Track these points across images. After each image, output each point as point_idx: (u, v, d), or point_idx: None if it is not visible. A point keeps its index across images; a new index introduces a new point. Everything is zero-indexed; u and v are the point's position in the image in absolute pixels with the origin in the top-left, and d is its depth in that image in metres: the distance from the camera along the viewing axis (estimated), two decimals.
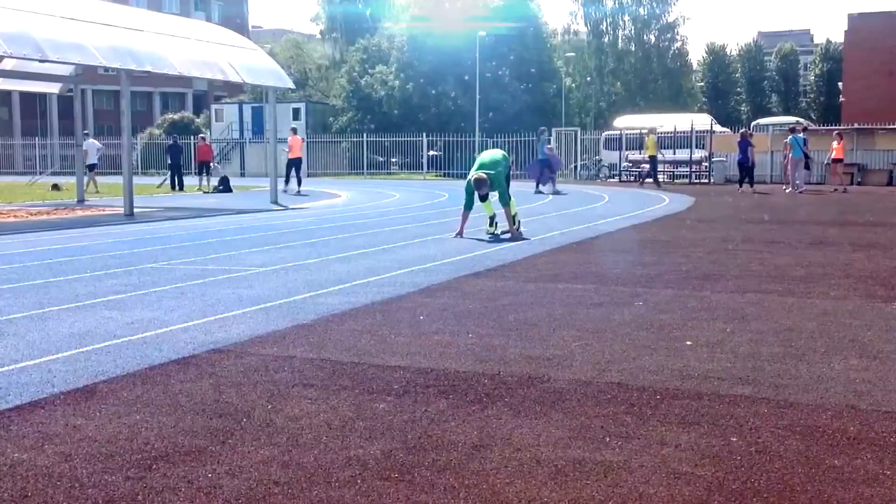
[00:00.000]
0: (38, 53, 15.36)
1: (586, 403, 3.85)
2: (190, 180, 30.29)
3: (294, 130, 27.63)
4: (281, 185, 27.13)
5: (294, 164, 26.12)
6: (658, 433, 3.44)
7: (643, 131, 30.11)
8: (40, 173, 33.08)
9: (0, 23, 14.89)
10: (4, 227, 13.97)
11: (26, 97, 63.80)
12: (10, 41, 14.77)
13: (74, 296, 6.81)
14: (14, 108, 70.14)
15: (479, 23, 45.57)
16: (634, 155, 32.92)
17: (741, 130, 28.32)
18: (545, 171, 24.95)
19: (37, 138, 53.92)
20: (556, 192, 23.88)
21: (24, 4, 16.16)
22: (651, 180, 27.60)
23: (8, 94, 60.48)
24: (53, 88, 24.71)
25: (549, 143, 27.42)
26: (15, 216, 16.51)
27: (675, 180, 31.96)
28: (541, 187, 24.57)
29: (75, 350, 4.91)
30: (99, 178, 27.27)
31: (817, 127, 34.96)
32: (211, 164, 29.49)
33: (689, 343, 5.03)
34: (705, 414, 3.69)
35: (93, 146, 27.22)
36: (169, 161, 29.95)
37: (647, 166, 28.41)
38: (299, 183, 26.21)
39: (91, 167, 26.64)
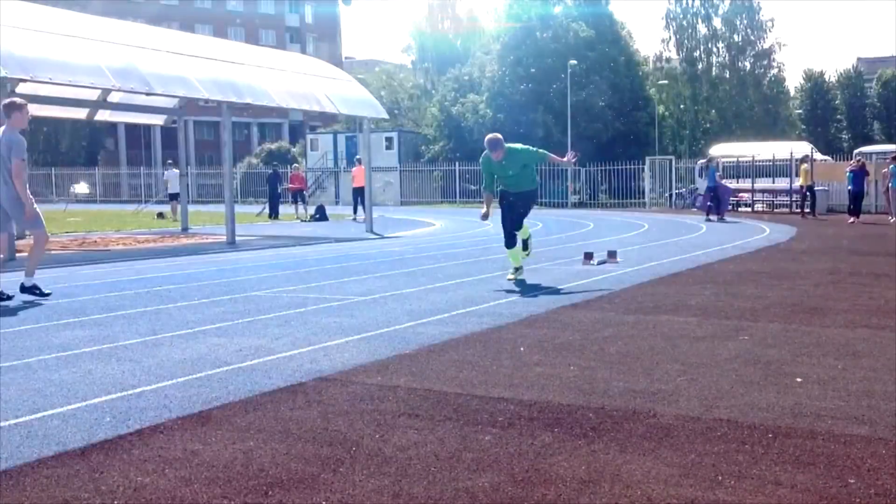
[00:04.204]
0: (145, 87, 16.00)
1: (695, 440, 3.79)
2: (287, 209, 31.04)
3: (359, 161, 28.03)
4: (351, 213, 27.87)
5: (359, 192, 26.67)
6: (772, 473, 3.37)
7: (795, 160, 29.86)
8: (146, 202, 34.33)
9: (109, 57, 15.57)
10: (115, 255, 14.54)
11: (131, 128, 66.53)
12: (117, 75, 15.43)
13: (184, 322, 7.05)
14: (120, 139, 73.23)
15: (570, 50, 45.58)
16: (732, 183, 32.30)
17: (858, 160, 27.66)
18: (713, 200, 24.98)
19: (142, 168, 56.02)
20: (723, 221, 23.98)
21: (131, 39, 16.88)
22: (808, 210, 27.13)
23: (114, 125, 63.10)
24: (158, 120, 25.64)
25: (718, 170, 27.06)
26: (124, 244, 17.17)
27: (775, 210, 31.23)
28: (710, 216, 24.76)
29: (188, 376, 5.08)
30: (200, 207, 28.09)
31: None
32: (305, 194, 30.29)
33: (799, 380, 4.90)
34: (821, 454, 3.59)
35: (174, 175, 27.58)
36: (269, 190, 30.86)
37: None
38: (355, 210, 27.13)
39: (174, 196, 27.26)
